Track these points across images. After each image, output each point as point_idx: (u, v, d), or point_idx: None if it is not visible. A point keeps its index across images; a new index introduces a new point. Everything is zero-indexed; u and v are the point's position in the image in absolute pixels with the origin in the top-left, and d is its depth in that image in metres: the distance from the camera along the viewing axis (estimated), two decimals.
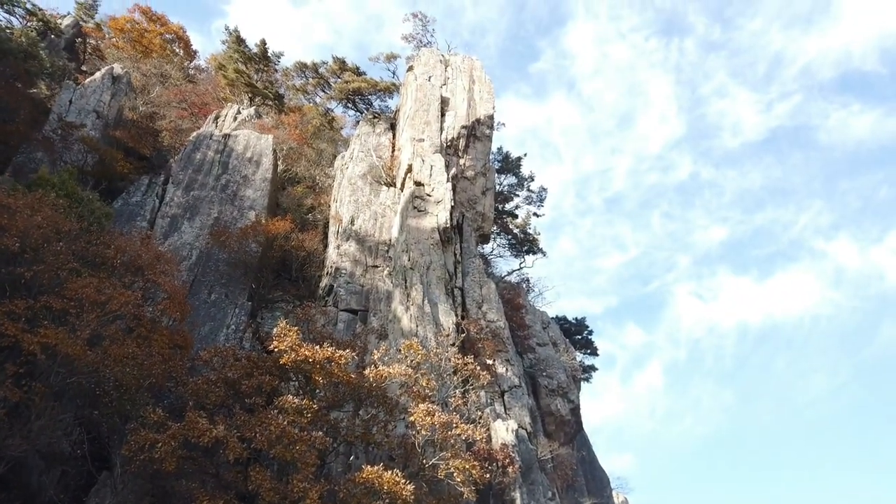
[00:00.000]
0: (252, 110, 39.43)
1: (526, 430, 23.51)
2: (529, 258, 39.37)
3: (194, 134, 32.70)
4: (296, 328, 17.56)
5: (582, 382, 36.19)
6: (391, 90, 39.59)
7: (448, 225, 26.73)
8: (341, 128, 42.64)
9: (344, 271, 26.88)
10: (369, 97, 40.10)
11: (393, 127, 36.62)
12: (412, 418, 17.48)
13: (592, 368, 40.38)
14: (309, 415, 15.48)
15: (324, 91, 42.61)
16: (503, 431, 21.95)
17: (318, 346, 17.16)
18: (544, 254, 39.11)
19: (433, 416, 17.34)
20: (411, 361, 19.34)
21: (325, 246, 29.83)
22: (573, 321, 39.76)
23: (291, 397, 15.84)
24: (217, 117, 38.25)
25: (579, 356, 36.98)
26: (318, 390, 17.36)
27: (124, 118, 34.66)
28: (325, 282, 27.35)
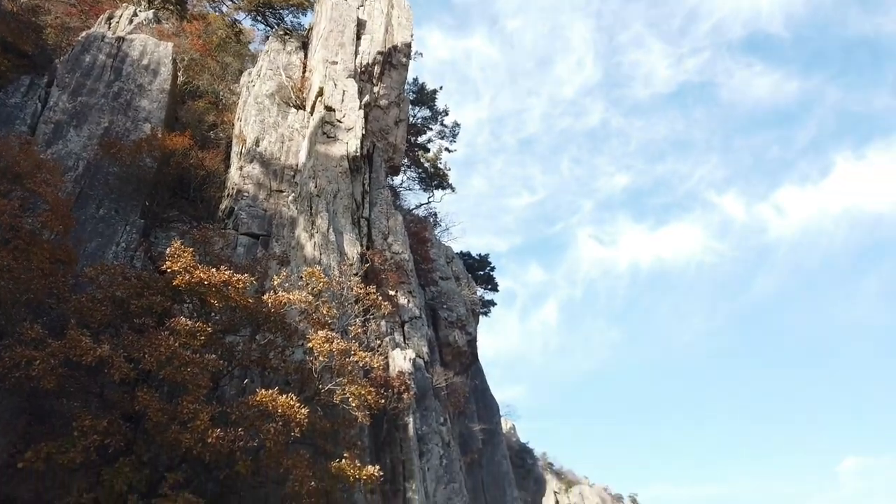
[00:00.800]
0: (150, 14, 36.41)
1: (423, 359, 24.12)
2: (438, 193, 39.49)
3: (84, 34, 29.88)
4: (191, 249, 16.91)
5: (481, 316, 37.33)
6: (305, 6, 37.62)
7: (358, 154, 26.20)
8: (249, 42, 40.26)
9: (246, 194, 25.95)
10: (281, 11, 37.96)
11: (305, 46, 34.97)
12: (311, 345, 17.47)
13: (492, 304, 41.66)
14: (202, 337, 15.13)
15: (232, 0, 39.90)
16: (401, 360, 22.42)
17: (214, 269, 16.63)
18: (453, 189, 39.32)
19: (332, 343, 17.41)
20: (312, 289, 19.19)
21: (227, 166, 28.57)
22: (477, 257, 40.59)
23: (184, 319, 15.38)
24: (110, 18, 35.06)
25: (480, 291, 38.00)
26: (213, 314, 16.95)
27: (2, 9, 31.10)
28: (225, 204, 26.34)
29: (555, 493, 74.53)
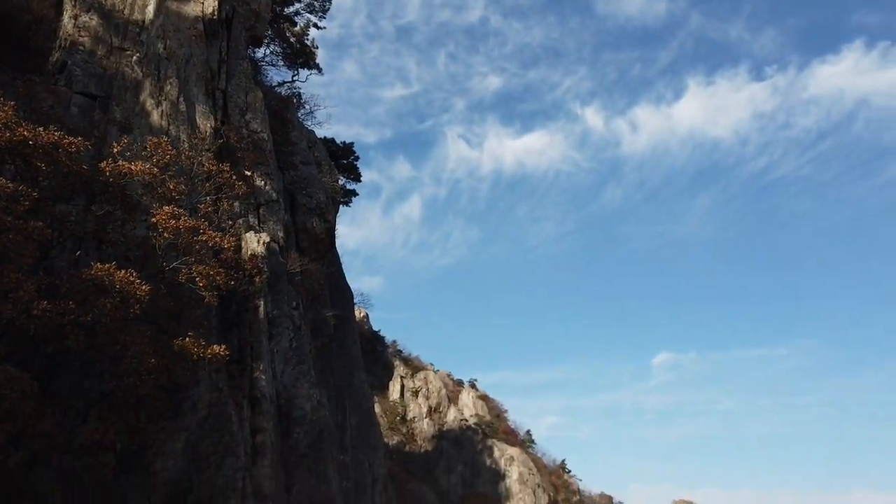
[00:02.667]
0: None
1: (278, 243, 23.65)
2: (304, 72, 37.41)
3: None
4: (13, 103, 14.92)
5: (341, 206, 36.92)
6: None
7: (215, 17, 23.95)
8: None
9: (82, 48, 23.01)
10: None
11: None
12: (155, 220, 16.45)
13: (354, 193, 41.27)
14: (27, 203, 13.67)
15: None
16: (254, 243, 21.83)
17: (42, 129, 14.88)
18: (321, 71, 37.41)
19: (179, 219, 16.50)
20: (158, 161, 17.84)
21: (60, 13, 25.01)
22: (341, 144, 39.57)
23: (5, 181, 13.77)
24: None
25: (342, 180, 37.39)
26: (40, 179, 15.31)
27: None
28: (56, 57, 23.24)
29: (401, 377, 78.45)
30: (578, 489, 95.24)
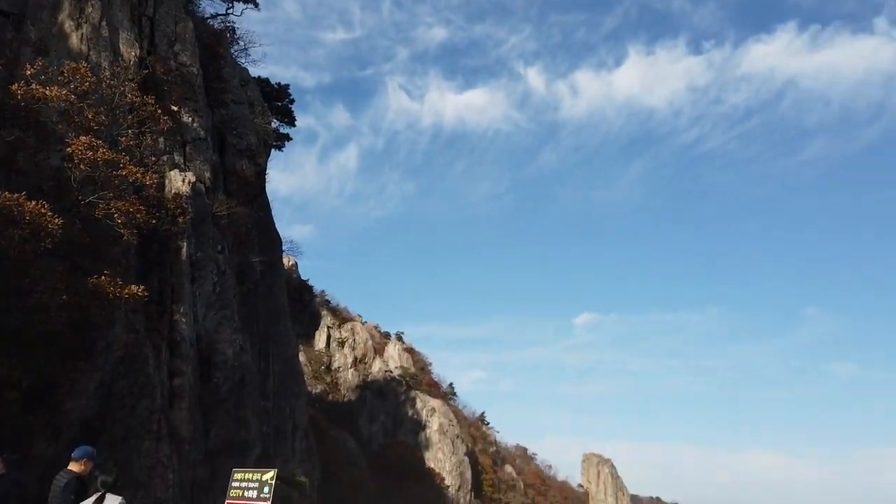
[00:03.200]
0: None
1: (205, 184, 22.88)
2: (239, 6, 35.63)
3: None
4: None
5: (274, 150, 35.89)
6: None
7: None
8: None
9: None
10: None
11: None
12: (71, 150, 15.58)
13: (287, 138, 40.10)
14: None
15: None
16: (179, 182, 21.05)
17: None
18: (257, 5, 35.67)
19: (97, 151, 15.69)
20: (76, 87, 16.80)
21: None
22: (276, 85, 38.21)
23: None
24: None
25: (275, 123, 36.23)
26: None
27: None
28: None
29: (328, 327, 78.35)
30: (496, 440, 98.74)
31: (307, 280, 74.70)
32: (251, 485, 8.63)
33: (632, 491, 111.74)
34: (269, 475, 8.58)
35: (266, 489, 8.45)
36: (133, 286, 15.45)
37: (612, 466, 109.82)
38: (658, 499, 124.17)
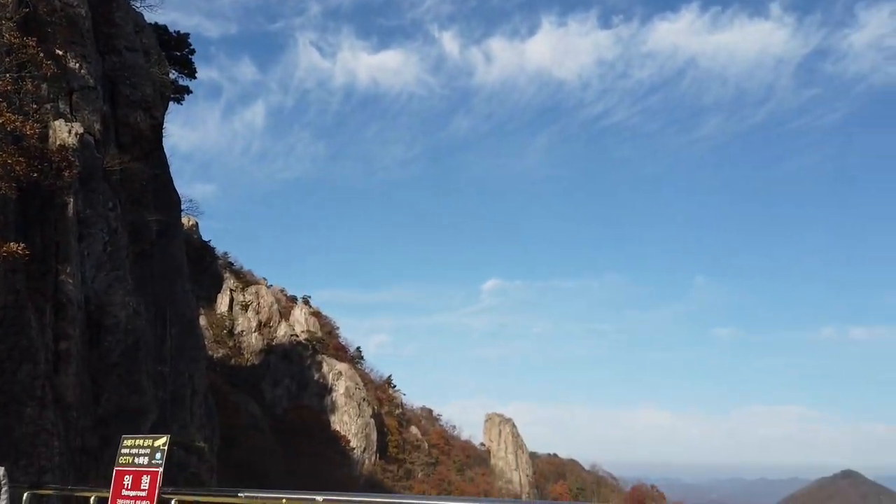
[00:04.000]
0: None
1: (94, 136, 21.40)
2: None
3: None
4: None
5: (172, 103, 33.93)
6: None
7: None
8: None
9: None
10: None
11: None
12: None
13: (187, 91, 37.98)
14: None
15: None
16: (65, 133, 19.58)
17: None
18: None
19: None
20: None
21: None
22: (174, 34, 35.99)
23: None
24: None
25: (174, 74, 34.21)
26: None
27: None
28: None
29: (231, 290, 76.11)
30: (402, 403, 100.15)
31: (209, 241, 72.02)
32: (142, 451, 8.32)
33: (531, 448, 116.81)
34: (161, 441, 8.30)
35: (158, 455, 8.17)
36: (12, 243, 14.38)
37: (513, 426, 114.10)
38: (555, 455, 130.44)
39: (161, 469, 8.11)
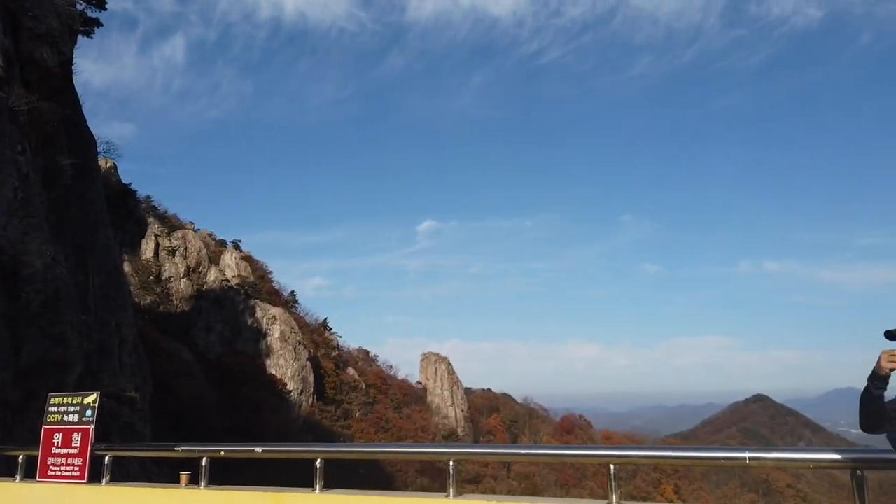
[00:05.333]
0: None
1: None
2: None
3: None
4: None
5: (82, 36, 31.56)
6: None
7: None
8: None
9: None
10: None
11: None
12: None
13: (97, 23, 35.31)
14: None
15: None
16: None
17: None
18: None
19: None
20: None
21: None
22: None
23: None
24: None
25: (82, 5, 31.73)
26: None
27: None
28: None
29: (156, 235, 73.48)
30: (338, 345, 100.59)
31: (130, 184, 68.75)
32: (71, 409, 8.05)
33: (466, 384, 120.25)
34: (91, 398, 8.05)
35: (88, 412, 7.93)
36: None
37: (449, 364, 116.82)
38: (489, 390, 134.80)
39: (92, 426, 7.90)
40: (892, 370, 4.08)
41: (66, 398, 8.17)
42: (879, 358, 4.08)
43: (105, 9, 35.08)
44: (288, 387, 72.98)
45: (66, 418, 7.96)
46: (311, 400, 76.52)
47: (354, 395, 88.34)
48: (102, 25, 35.12)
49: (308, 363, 77.41)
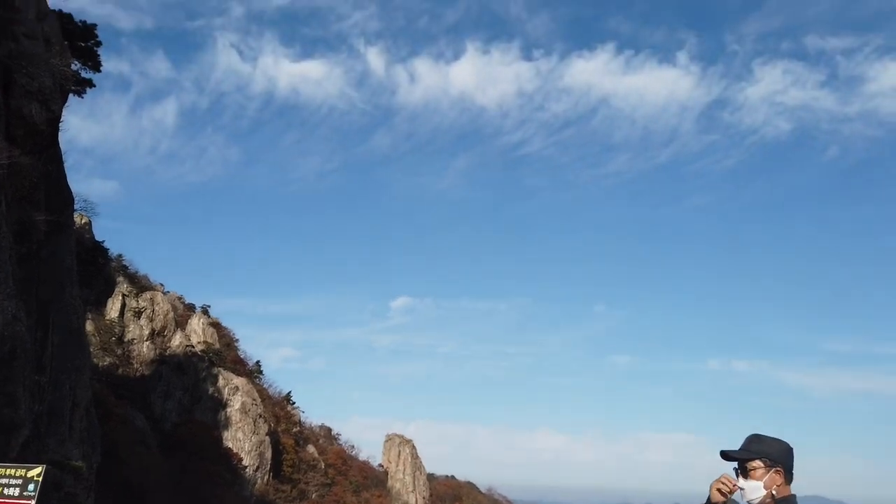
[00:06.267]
0: None
1: None
2: None
3: None
4: None
5: (74, 96, 32.01)
6: None
7: None
8: None
9: None
10: None
11: None
12: None
13: (90, 84, 35.93)
14: None
15: None
16: None
17: None
18: None
19: None
20: None
21: None
22: (80, 24, 34.06)
23: None
24: None
25: (76, 65, 32.35)
26: None
27: None
28: None
29: (123, 295, 72.03)
30: (300, 420, 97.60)
31: (102, 242, 67.96)
32: (13, 481, 7.60)
33: (430, 469, 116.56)
34: (36, 471, 7.63)
35: (31, 486, 7.49)
36: None
37: (413, 447, 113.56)
38: (453, 477, 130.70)
39: (34, 502, 7.45)
40: (724, 499, 3.85)
41: (9, 469, 7.72)
42: (710, 487, 3.86)
43: (100, 71, 35.81)
44: (244, 462, 70.09)
45: (6, 491, 7.50)
46: (266, 477, 73.40)
47: (312, 475, 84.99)
48: (95, 86, 35.75)
49: (267, 438, 74.75)
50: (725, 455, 3.96)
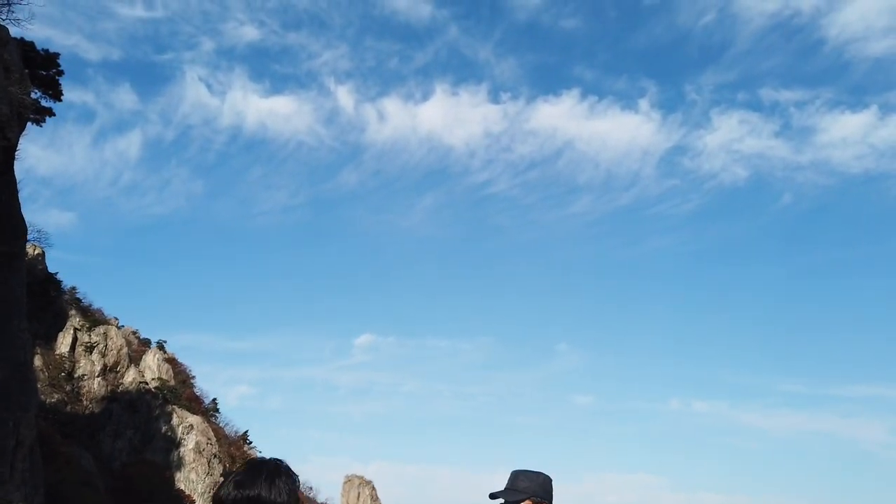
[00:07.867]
0: None
1: None
2: None
3: None
4: None
5: (31, 124, 31.38)
6: None
7: None
8: None
9: None
10: None
11: None
12: None
13: (50, 113, 35.35)
14: None
15: None
16: None
17: None
18: None
19: None
20: None
21: None
22: (42, 52, 33.62)
23: None
24: None
25: (36, 94, 31.84)
26: None
27: None
28: None
29: (75, 329, 69.71)
30: None
31: (56, 273, 66.05)
32: None
33: None
34: None
35: None
36: None
37: (373, 488, 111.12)
38: None
39: None
40: None
41: None
42: None
43: (60, 100, 35.30)
44: None
45: None
46: None
47: None
48: (55, 115, 35.17)
49: (222, 479, 72.32)
50: (494, 497, 3.93)
